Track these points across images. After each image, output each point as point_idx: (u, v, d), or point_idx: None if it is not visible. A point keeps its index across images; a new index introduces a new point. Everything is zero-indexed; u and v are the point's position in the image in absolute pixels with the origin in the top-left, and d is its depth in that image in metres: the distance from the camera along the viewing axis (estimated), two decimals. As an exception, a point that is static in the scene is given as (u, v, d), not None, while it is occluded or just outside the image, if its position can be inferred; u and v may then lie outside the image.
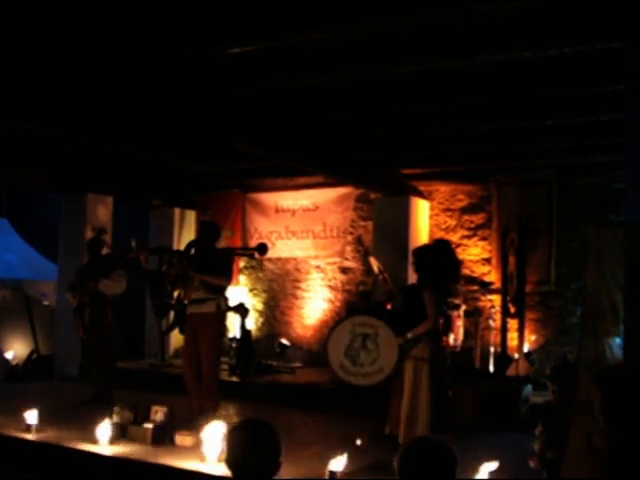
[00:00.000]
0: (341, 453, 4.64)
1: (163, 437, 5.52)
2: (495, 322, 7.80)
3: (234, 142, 6.20)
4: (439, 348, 5.33)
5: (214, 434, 5.07)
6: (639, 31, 3.53)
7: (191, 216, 10.52)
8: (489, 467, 4.43)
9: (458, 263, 6.61)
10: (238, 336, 8.68)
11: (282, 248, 9.74)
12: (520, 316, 7.50)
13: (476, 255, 8.58)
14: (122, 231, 9.38)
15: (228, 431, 2.56)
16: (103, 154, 7.66)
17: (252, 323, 9.67)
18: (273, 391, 7.86)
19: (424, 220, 8.80)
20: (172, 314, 7.41)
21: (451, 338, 6.50)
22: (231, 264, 7.02)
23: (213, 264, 6.37)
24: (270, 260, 9.82)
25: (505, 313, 7.53)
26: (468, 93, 5.36)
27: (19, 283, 10.09)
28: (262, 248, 7.32)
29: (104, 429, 5.42)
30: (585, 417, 3.76)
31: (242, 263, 10.04)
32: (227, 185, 9.82)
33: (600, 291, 5.10)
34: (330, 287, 9.54)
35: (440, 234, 8.68)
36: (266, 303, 10.03)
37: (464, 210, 8.73)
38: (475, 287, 8.37)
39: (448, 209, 8.83)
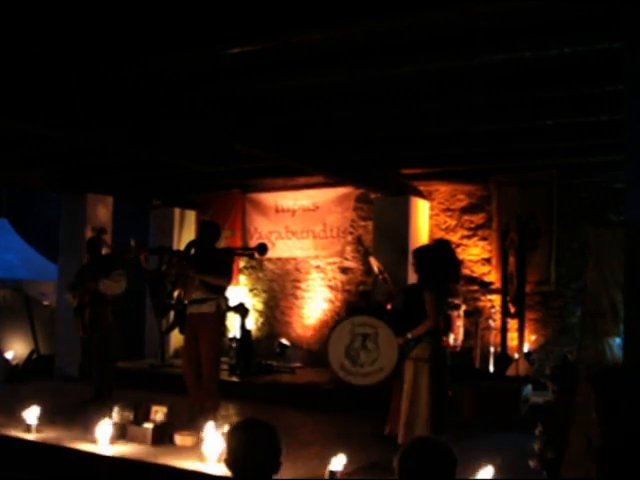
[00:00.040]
0: (341, 453, 4.64)
1: (163, 437, 5.52)
2: (495, 322, 7.79)
3: (234, 142, 6.20)
4: (440, 348, 5.33)
5: (214, 434, 5.08)
6: (639, 31, 3.53)
7: (191, 216, 10.52)
8: (487, 473, 4.44)
9: (458, 263, 6.61)
10: (238, 336, 8.69)
11: (282, 248, 9.74)
12: (520, 316, 7.50)
13: (476, 255, 8.58)
14: (122, 231, 9.37)
15: (228, 431, 2.55)
16: (103, 154, 7.66)
17: (252, 323, 9.67)
18: (273, 391, 7.86)
19: (424, 220, 8.80)
20: (172, 314, 7.41)
21: (451, 338, 6.49)
22: (231, 264, 7.02)
23: (213, 264, 6.37)
24: (270, 260, 9.82)
25: (505, 313, 7.53)
26: (468, 93, 5.36)
27: (19, 283, 10.09)
28: (262, 248, 7.31)
29: (104, 429, 5.41)
30: (585, 417, 3.76)
31: (242, 263, 10.04)
32: (227, 185, 9.82)
33: (600, 291, 5.10)
34: (330, 287, 9.54)
35: (440, 234, 8.68)
36: (266, 303, 10.04)
37: (464, 210, 8.73)
38: (475, 287, 8.37)
39: (448, 209, 8.83)
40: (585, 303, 5.52)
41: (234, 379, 8.29)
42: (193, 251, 6.66)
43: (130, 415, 5.69)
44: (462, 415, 6.30)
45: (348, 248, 9.41)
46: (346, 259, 9.43)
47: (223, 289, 6.49)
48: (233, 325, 8.93)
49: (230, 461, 2.44)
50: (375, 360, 6.69)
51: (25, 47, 4.33)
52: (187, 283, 6.38)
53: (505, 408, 6.59)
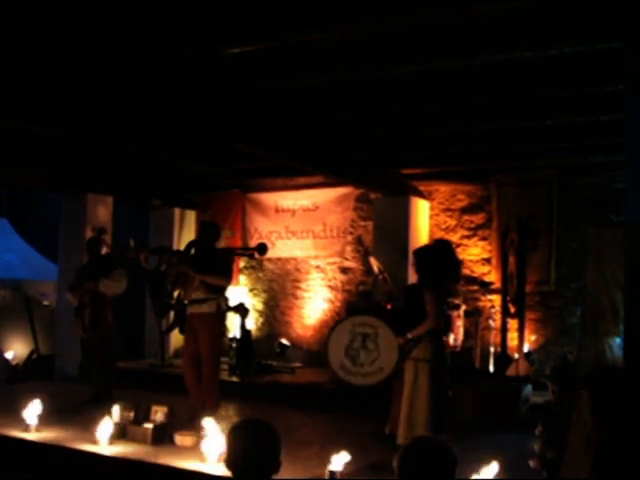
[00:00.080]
0: (341, 453, 4.64)
1: (163, 437, 5.52)
2: (495, 322, 7.79)
3: (234, 142, 6.20)
4: (440, 348, 5.33)
5: (214, 434, 5.08)
6: (639, 31, 3.53)
7: (191, 216, 10.52)
8: (492, 470, 4.44)
9: (458, 263, 6.62)
10: (238, 336, 8.68)
11: (282, 248, 9.74)
12: (520, 316, 7.49)
13: (476, 255, 8.58)
14: (122, 231, 9.37)
15: (228, 431, 2.55)
16: (103, 154, 7.66)
17: (252, 323, 9.67)
18: (273, 391, 7.86)
19: (424, 220, 8.80)
20: (172, 314, 7.41)
21: (451, 338, 6.50)
22: (231, 264, 7.02)
23: (213, 264, 6.37)
24: (270, 260, 9.82)
25: (505, 313, 7.53)
26: (468, 93, 5.36)
27: (19, 283, 10.09)
28: (262, 248, 7.31)
29: (104, 429, 5.41)
30: (585, 417, 3.76)
31: (242, 263, 10.04)
32: (227, 185, 9.82)
33: (600, 291, 5.10)
34: (330, 287, 9.54)
35: (440, 234, 8.68)
36: (266, 303, 10.04)
37: (464, 210, 8.73)
38: (475, 287, 8.37)
39: (448, 209, 8.83)
40: (585, 303, 5.53)
41: (234, 379, 8.29)
42: (193, 251, 6.66)
43: (130, 415, 5.69)
44: (462, 415, 6.30)
45: (348, 248, 9.41)
46: (346, 259, 9.44)
47: (223, 289, 6.49)
48: (233, 325, 8.93)
49: (230, 461, 2.44)
50: (375, 360, 6.70)
51: (25, 47, 4.33)
52: (187, 283, 6.38)
53: (505, 408, 6.58)
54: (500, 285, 7.89)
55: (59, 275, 9.44)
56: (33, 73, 4.54)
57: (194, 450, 5.19)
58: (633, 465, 2.46)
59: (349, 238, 9.39)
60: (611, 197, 7.69)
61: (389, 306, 6.98)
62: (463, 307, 7.14)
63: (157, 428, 5.51)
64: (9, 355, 9.28)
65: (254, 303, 10.00)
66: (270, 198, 9.87)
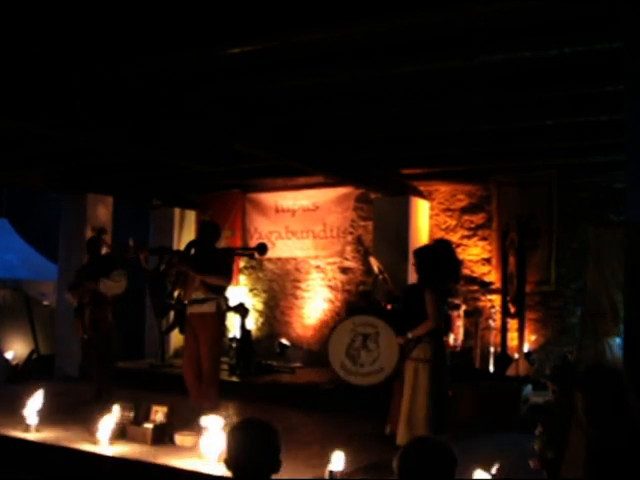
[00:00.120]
0: (341, 453, 4.64)
1: (163, 437, 5.52)
2: (495, 322, 7.79)
3: (234, 142, 6.20)
4: (440, 348, 5.33)
5: (214, 434, 5.07)
6: (639, 31, 3.53)
7: (191, 216, 10.52)
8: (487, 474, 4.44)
9: (458, 263, 6.62)
10: (238, 336, 8.68)
11: (282, 248, 9.74)
12: (520, 316, 7.49)
13: (476, 255, 8.58)
14: (122, 231, 9.36)
15: (228, 431, 2.56)
16: (103, 154, 7.66)
17: (252, 323, 9.67)
18: (273, 391, 7.86)
19: (424, 220, 8.80)
20: (172, 314, 7.41)
21: (451, 338, 6.50)
22: (231, 264, 7.01)
23: (213, 264, 6.36)
24: (270, 260, 9.82)
25: (505, 313, 7.53)
26: (468, 93, 5.35)
27: (19, 283, 10.09)
28: (262, 248, 7.31)
29: (104, 429, 5.41)
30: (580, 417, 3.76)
31: (242, 263, 10.04)
32: (227, 185, 9.82)
33: (600, 291, 5.11)
34: (330, 287, 9.54)
35: (440, 234, 8.68)
36: (266, 303, 10.04)
37: (464, 210, 8.73)
38: (475, 287, 8.37)
39: (448, 209, 8.83)
40: (585, 303, 5.55)
41: (234, 379, 8.28)
42: (193, 251, 6.66)
43: (130, 415, 5.69)
44: (462, 415, 6.30)
45: (348, 248, 9.41)
46: (346, 259, 9.43)
47: (223, 289, 6.49)
48: (233, 325, 8.93)
49: (230, 461, 2.44)
50: (375, 360, 6.70)
51: (25, 47, 4.33)
52: (187, 283, 6.38)
53: (505, 408, 6.58)
54: (500, 285, 7.89)
55: (59, 275, 9.45)
56: (33, 73, 4.54)
57: (194, 450, 5.19)
58: (627, 465, 2.46)
59: (349, 238, 9.39)
60: (611, 197, 7.69)
61: (389, 306, 6.97)
62: (463, 307, 7.14)
63: (157, 428, 5.51)
64: (9, 355, 9.27)
65: (254, 303, 10.00)
66: (270, 198, 9.87)
